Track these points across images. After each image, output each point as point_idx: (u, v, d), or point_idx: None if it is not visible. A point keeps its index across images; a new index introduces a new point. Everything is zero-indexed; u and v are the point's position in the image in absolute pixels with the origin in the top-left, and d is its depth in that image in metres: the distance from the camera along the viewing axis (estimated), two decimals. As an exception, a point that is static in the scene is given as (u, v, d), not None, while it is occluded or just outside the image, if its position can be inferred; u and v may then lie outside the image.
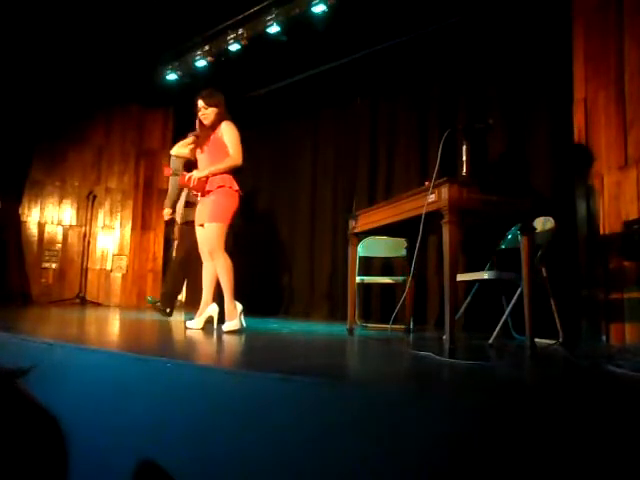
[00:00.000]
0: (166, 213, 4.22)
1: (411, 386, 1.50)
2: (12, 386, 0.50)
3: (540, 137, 3.94)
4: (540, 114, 3.97)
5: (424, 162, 4.62)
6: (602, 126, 3.25)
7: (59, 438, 0.51)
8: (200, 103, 3.18)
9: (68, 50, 5.20)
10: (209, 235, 3.05)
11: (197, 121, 3.23)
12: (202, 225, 3.13)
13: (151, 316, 4.51)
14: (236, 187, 3.11)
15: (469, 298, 3.39)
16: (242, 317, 3.09)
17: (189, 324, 3.07)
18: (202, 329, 3.04)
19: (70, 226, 6.12)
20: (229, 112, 3.23)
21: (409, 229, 2.78)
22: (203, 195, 3.11)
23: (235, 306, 3.05)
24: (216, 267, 3.06)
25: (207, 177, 3.07)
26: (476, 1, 4.06)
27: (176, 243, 4.38)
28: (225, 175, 3.09)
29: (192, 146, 3.26)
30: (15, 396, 0.50)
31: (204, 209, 3.11)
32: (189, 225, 3.83)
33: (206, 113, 3.17)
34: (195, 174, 3.06)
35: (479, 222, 3.54)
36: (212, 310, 3.14)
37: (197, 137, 3.26)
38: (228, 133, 3.13)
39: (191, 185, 3.09)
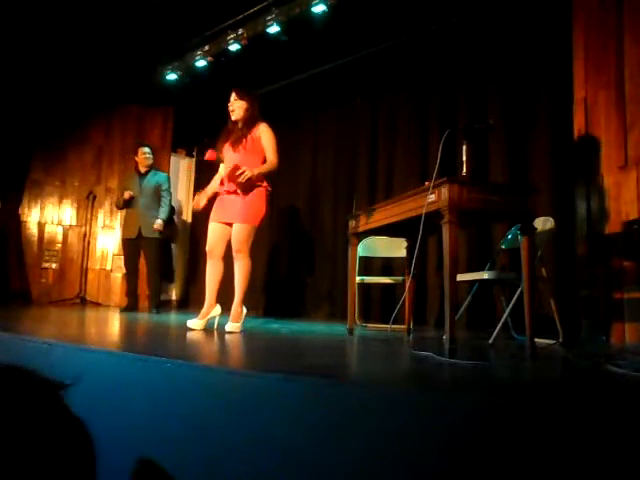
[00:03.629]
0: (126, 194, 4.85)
1: (411, 386, 1.50)
2: (57, 398, 0.50)
3: (540, 137, 3.94)
4: (540, 114, 3.97)
5: (424, 162, 4.62)
6: (602, 126, 3.25)
7: (91, 454, 0.52)
8: (232, 95, 3.16)
9: (68, 50, 5.20)
10: (240, 235, 3.01)
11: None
12: (225, 223, 3.08)
13: (151, 316, 4.52)
14: (269, 187, 3.11)
15: (469, 298, 3.38)
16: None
17: (190, 323, 3.05)
18: (203, 329, 3.04)
19: (70, 226, 6.12)
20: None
21: (409, 229, 2.78)
22: (235, 192, 3.02)
23: (242, 310, 3.06)
24: (237, 267, 3.03)
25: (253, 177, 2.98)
26: (476, 1, 4.06)
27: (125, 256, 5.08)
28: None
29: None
30: (59, 409, 0.50)
31: (233, 207, 3.03)
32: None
33: (235, 105, 3.13)
34: (248, 172, 2.92)
35: (479, 222, 3.56)
36: (215, 311, 3.14)
37: (226, 132, 3.19)
38: (267, 137, 3.12)
39: (239, 180, 2.94)
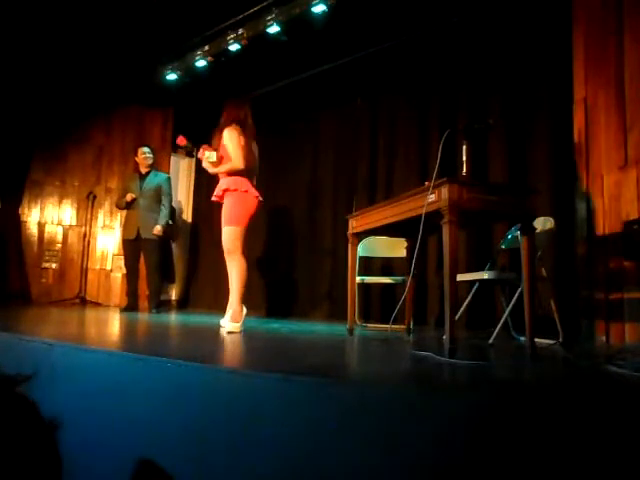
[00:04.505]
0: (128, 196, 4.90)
1: (411, 386, 1.50)
2: (11, 393, 0.49)
3: (540, 137, 3.94)
4: (540, 114, 3.97)
5: (424, 162, 4.62)
6: (602, 126, 3.25)
7: (53, 446, 0.51)
8: None
9: (68, 50, 5.20)
10: (225, 237, 3.17)
11: None
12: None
13: (150, 316, 4.53)
14: (245, 189, 3.18)
15: (469, 298, 3.38)
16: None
17: (223, 322, 3.18)
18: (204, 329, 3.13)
19: (70, 226, 6.12)
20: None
21: (409, 229, 2.78)
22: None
23: (241, 309, 3.12)
24: (229, 268, 3.16)
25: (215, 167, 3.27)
26: (476, 1, 4.06)
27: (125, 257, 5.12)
28: (237, 178, 3.19)
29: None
30: (12, 403, 0.49)
31: (223, 212, 3.25)
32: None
33: None
34: (205, 155, 3.24)
35: (479, 222, 3.56)
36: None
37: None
38: (228, 139, 3.22)
39: (202, 162, 3.31)
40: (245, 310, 3.14)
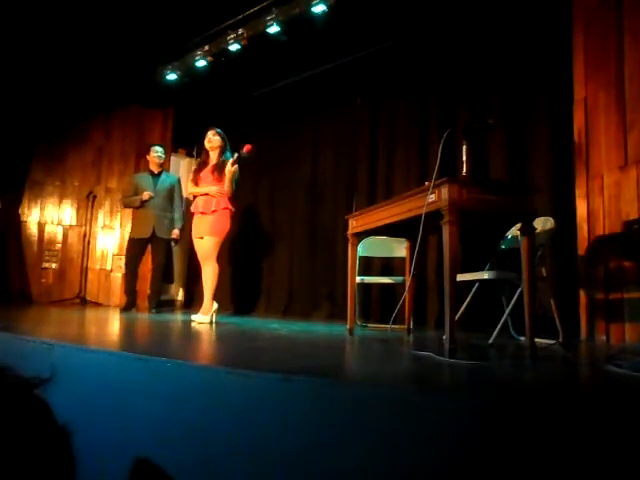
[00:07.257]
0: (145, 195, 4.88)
1: (411, 386, 1.50)
2: (29, 396, 0.49)
3: (540, 137, 3.94)
4: (540, 114, 3.97)
5: (424, 162, 4.62)
6: (602, 126, 3.25)
7: (68, 451, 0.51)
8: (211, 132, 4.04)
9: (68, 50, 5.20)
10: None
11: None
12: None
13: (150, 316, 4.52)
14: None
15: (469, 298, 3.38)
16: (215, 315, 3.75)
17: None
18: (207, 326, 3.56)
19: (70, 226, 6.12)
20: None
21: (409, 229, 2.77)
22: None
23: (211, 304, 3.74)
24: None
25: None
26: (476, 1, 4.06)
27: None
28: None
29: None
30: (30, 406, 0.49)
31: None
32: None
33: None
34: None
35: (479, 222, 3.55)
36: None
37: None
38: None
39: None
40: (216, 305, 3.76)
